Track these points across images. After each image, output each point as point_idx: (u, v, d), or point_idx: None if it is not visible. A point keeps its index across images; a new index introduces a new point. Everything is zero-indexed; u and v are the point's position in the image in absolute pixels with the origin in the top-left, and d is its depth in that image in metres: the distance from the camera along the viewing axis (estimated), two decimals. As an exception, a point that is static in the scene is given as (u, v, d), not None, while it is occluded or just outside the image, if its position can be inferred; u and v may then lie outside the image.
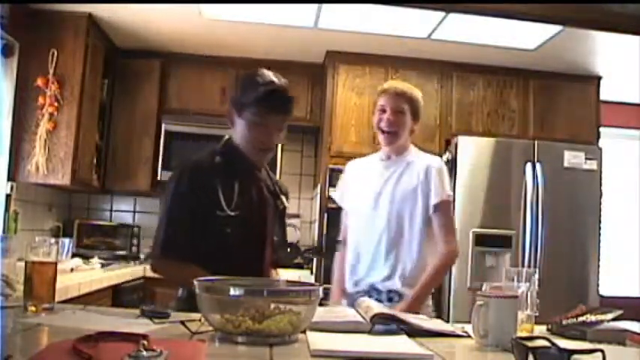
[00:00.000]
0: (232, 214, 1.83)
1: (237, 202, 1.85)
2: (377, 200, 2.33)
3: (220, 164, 1.90)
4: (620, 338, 1.50)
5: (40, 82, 3.54)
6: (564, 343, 1.18)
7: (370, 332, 1.44)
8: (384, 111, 2.33)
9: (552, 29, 3.55)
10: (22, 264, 1.52)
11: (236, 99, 1.92)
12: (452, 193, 2.37)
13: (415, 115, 2.36)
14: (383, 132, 2.34)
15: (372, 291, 2.25)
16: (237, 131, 1.92)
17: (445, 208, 2.31)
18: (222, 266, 1.58)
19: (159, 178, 4.18)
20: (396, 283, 2.24)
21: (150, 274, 3.76)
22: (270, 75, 1.89)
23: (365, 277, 2.30)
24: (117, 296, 3.26)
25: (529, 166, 3.88)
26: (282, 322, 1.25)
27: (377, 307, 1.58)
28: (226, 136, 1.99)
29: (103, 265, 3.45)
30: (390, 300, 2.22)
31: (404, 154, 2.38)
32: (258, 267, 1.92)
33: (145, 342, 1.03)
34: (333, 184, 4.01)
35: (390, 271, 2.26)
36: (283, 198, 2.06)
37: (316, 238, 4.16)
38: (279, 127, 1.92)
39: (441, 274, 2.36)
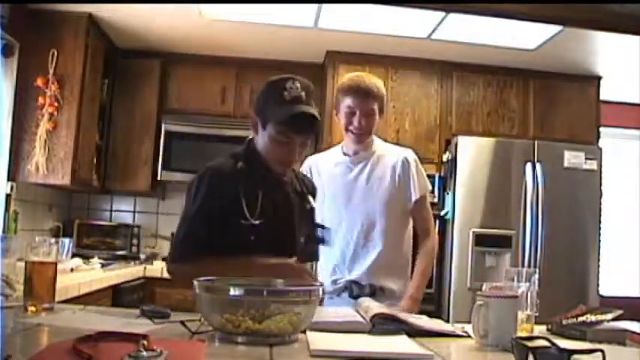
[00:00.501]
0: (256, 222, 1.76)
1: (260, 210, 1.77)
2: (349, 197, 2.31)
3: (243, 170, 1.81)
4: (620, 338, 1.50)
5: (40, 82, 3.54)
6: (564, 343, 1.18)
7: (370, 332, 1.44)
8: (353, 113, 2.28)
9: (552, 29, 3.55)
10: (22, 264, 1.52)
11: (260, 109, 1.82)
12: (428, 185, 2.39)
13: (382, 110, 2.34)
14: (353, 133, 2.31)
15: (353, 286, 2.24)
16: (260, 139, 1.84)
17: (425, 201, 2.35)
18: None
19: (159, 178, 4.18)
20: (377, 278, 2.25)
21: (150, 274, 3.77)
22: (297, 88, 1.81)
23: (344, 275, 2.29)
24: (117, 296, 3.26)
25: (529, 166, 3.88)
26: (282, 322, 1.25)
27: (377, 307, 1.59)
28: (248, 138, 1.91)
29: (103, 265, 3.45)
30: (372, 294, 2.19)
31: (371, 148, 2.37)
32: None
33: (145, 342, 1.04)
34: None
35: (370, 266, 2.26)
36: (310, 198, 1.98)
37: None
38: (302, 144, 1.84)
39: (429, 270, 2.37)
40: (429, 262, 2.36)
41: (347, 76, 2.41)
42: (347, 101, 2.29)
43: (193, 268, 1.63)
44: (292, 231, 1.88)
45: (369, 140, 2.36)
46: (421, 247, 2.36)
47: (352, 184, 2.32)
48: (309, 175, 2.32)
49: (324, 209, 2.30)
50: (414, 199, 2.31)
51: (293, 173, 1.98)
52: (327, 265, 2.31)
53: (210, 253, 1.70)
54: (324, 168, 2.41)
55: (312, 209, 1.98)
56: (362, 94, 2.27)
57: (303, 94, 1.81)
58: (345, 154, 2.39)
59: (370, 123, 2.30)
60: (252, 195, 1.78)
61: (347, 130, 2.32)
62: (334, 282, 2.29)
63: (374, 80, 2.34)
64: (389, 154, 2.35)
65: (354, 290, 2.21)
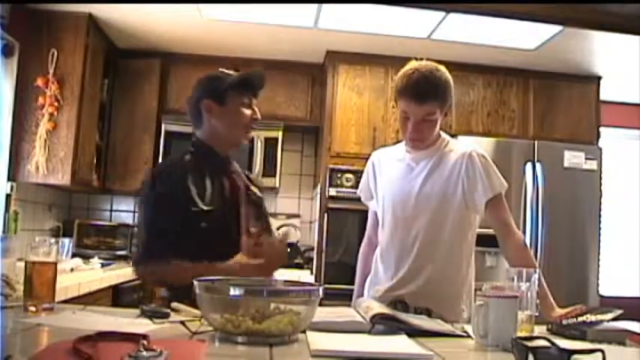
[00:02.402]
0: (206, 208, 1.87)
1: (209, 196, 1.90)
2: (405, 202, 2.02)
3: (190, 162, 1.95)
4: (620, 338, 1.50)
5: (40, 82, 3.54)
6: (564, 343, 1.18)
7: (370, 332, 1.44)
8: (407, 119, 1.96)
9: (552, 29, 3.55)
10: (22, 264, 1.52)
11: (211, 91, 1.97)
12: (503, 182, 2.01)
13: (444, 107, 1.97)
14: (410, 140, 2.02)
15: (398, 305, 1.92)
16: (214, 123, 1.98)
17: (499, 201, 1.98)
18: (203, 260, 1.73)
19: (159, 178, 4.17)
20: (426, 298, 1.92)
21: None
22: (224, 69, 2.05)
23: (390, 289, 2.00)
24: (117, 296, 3.26)
25: (529, 166, 3.88)
26: (282, 322, 1.25)
27: (377, 307, 1.58)
28: (193, 137, 2.05)
29: (103, 265, 3.45)
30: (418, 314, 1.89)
31: (435, 144, 2.05)
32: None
33: (145, 342, 1.04)
34: (333, 184, 4.02)
35: (420, 284, 1.96)
36: (255, 189, 2.11)
37: (316, 238, 4.15)
38: (255, 103, 2.03)
39: (533, 262, 1.99)
40: (529, 257, 1.98)
41: (404, 68, 1.99)
42: (401, 104, 1.97)
43: (159, 268, 1.81)
44: (239, 215, 1.97)
45: (432, 141, 2.05)
46: (507, 245, 2.00)
47: (410, 186, 2.03)
48: (370, 172, 2.21)
49: (384, 213, 2.10)
50: (483, 201, 1.96)
51: (238, 165, 2.12)
52: (380, 274, 2.08)
53: (171, 247, 1.79)
54: (385, 165, 2.16)
55: (260, 198, 2.10)
56: (417, 98, 1.92)
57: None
58: (407, 150, 2.09)
59: (427, 131, 1.98)
60: (199, 182, 1.90)
61: (403, 135, 2.04)
62: (382, 294, 2.01)
63: (435, 75, 1.94)
64: (454, 153, 2.03)
65: (399, 308, 1.91)
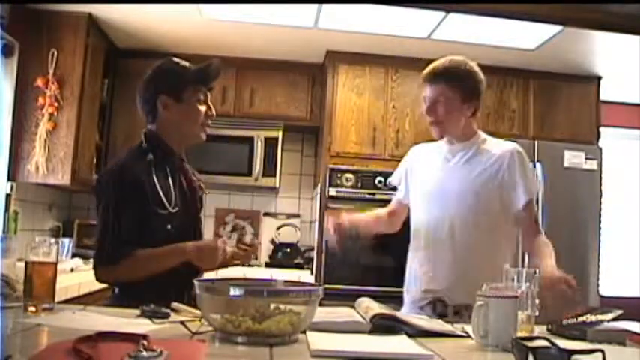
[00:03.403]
0: (173, 210, 1.85)
1: (174, 198, 1.87)
2: (441, 196, 2.03)
3: (152, 162, 1.88)
4: (620, 338, 1.50)
5: (40, 82, 3.54)
6: (564, 343, 1.18)
7: (370, 332, 1.44)
8: (425, 102, 2.04)
9: (552, 29, 3.55)
10: (22, 264, 1.52)
11: (167, 86, 1.92)
12: (537, 185, 2.10)
13: (460, 91, 1.99)
14: (430, 124, 2.06)
15: (437, 303, 1.94)
16: (170, 120, 1.92)
17: (532, 205, 2.02)
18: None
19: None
20: (463, 293, 1.82)
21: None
22: (182, 61, 1.98)
23: (427, 285, 2.00)
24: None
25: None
26: (282, 322, 1.25)
27: (377, 307, 1.58)
28: (144, 131, 1.97)
29: (103, 265, 3.44)
30: (456, 314, 1.90)
31: (470, 140, 2.08)
32: None
33: (145, 342, 1.04)
34: (333, 184, 4.02)
35: (458, 281, 1.93)
36: (202, 185, 2.08)
37: (316, 238, 4.15)
38: (210, 98, 1.99)
39: (551, 251, 2.05)
40: (547, 249, 2.02)
41: None
42: (423, 91, 2.06)
43: (124, 267, 1.76)
44: (199, 216, 1.99)
45: (463, 133, 2.07)
46: (533, 242, 2.03)
47: (445, 177, 2.04)
48: (407, 161, 2.24)
49: (417, 205, 2.11)
50: (522, 203, 1.98)
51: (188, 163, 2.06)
52: (415, 272, 2.08)
53: (135, 249, 1.76)
54: (424, 156, 2.19)
55: (203, 194, 2.06)
56: (429, 78, 2.01)
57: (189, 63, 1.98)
58: (445, 143, 2.12)
59: (441, 112, 2.00)
60: (164, 184, 1.87)
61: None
62: (421, 295, 2.02)
63: (454, 63, 2.02)
64: (492, 148, 2.06)
65: (438, 308, 1.93)
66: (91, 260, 1.85)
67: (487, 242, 1.99)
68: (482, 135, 2.13)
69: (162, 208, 1.83)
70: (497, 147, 2.06)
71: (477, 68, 2.05)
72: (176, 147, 1.96)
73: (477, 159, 2.04)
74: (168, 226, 1.84)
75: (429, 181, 2.08)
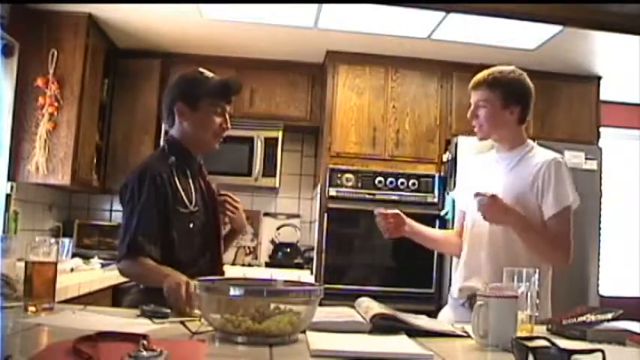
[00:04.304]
0: (194, 209, 1.94)
1: (195, 197, 1.96)
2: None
3: (174, 164, 1.97)
4: (620, 338, 1.50)
5: (40, 82, 3.54)
6: (564, 343, 1.18)
7: (370, 332, 1.44)
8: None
9: (552, 29, 3.55)
10: (22, 264, 1.52)
11: (185, 94, 1.98)
12: (576, 197, 2.01)
13: (506, 99, 2.06)
14: (473, 128, 2.14)
15: (474, 299, 1.89)
16: (185, 126, 1.99)
17: (562, 217, 1.98)
18: (189, 260, 1.87)
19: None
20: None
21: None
22: (207, 72, 2.04)
23: (465, 280, 2.08)
24: (117, 296, 3.26)
25: (529, 166, 3.88)
26: (282, 322, 1.25)
27: (377, 307, 1.58)
28: (166, 137, 2.07)
29: (102, 265, 3.45)
30: None
31: (517, 148, 2.13)
32: (218, 259, 2.02)
33: (145, 342, 1.04)
34: (333, 184, 4.03)
35: (493, 272, 1.94)
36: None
37: (316, 238, 4.15)
38: (228, 111, 2.03)
39: (533, 236, 1.98)
40: (540, 239, 1.98)
41: None
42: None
43: (128, 268, 1.87)
44: (218, 217, 2.06)
45: (508, 140, 2.13)
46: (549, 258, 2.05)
47: (489, 182, 2.06)
48: (461, 175, 2.30)
49: (467, 213, 2.17)
50: (549, 213, 1.98)
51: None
52: (458, 268, 2.16)
53: (159, 247, 1.84)
54: (478, 162, 2.27)
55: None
56: (473, 85, 2.13)
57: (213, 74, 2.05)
58: (495, 152, 2.21)
59: (482, 117, 2.08)
60: (186, 184, 1.96)
61: None
62: (461, 290, 2.09)
63: (498, 71, 2.11)
64: (536, 157, 2.08)
65: (473, 303, 1.97)
66: (91, 260, 1.87)
67: (528, 256, 1.98)
68: (531, 144, 2.17)
69: (183, 207, 1.91)
70: (540, 156, 2.08)
71: (523, 77, 2.16)
72: (193, 151, 2.04)
73: (519, 168, 2.08)
74: (191, 225, 1.92)
75: (477, 188, 2.06)
